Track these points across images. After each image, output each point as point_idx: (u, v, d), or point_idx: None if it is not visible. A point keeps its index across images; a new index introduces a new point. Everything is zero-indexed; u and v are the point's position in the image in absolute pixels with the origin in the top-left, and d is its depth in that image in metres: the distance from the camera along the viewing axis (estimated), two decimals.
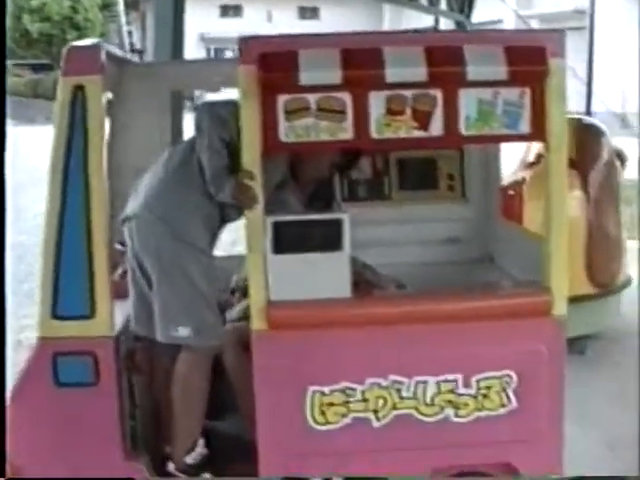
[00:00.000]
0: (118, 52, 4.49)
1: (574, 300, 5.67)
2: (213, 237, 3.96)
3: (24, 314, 6.65)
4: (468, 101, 3.48)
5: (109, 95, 4.39)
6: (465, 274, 4.80)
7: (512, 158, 6.47)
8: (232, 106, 3.63)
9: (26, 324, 6.17)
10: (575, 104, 13.97)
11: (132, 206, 3.90)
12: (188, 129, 4.93)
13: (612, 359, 6.93)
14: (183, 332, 3.80)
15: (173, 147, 4.05)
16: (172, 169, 3.90)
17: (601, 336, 7.19)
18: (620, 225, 7.18)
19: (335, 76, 3.38)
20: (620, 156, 7.18)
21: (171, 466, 3.99)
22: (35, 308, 3.78)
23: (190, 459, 3.98)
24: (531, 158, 6.54)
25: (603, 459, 5.22)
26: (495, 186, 5.13)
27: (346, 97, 3.43)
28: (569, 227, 3.75)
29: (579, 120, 7.29)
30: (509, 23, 28.24)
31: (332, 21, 42.08)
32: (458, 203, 5.08)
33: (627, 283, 7.26)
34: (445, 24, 23.73)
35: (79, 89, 3.61)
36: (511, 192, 6.20)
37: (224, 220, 3.97)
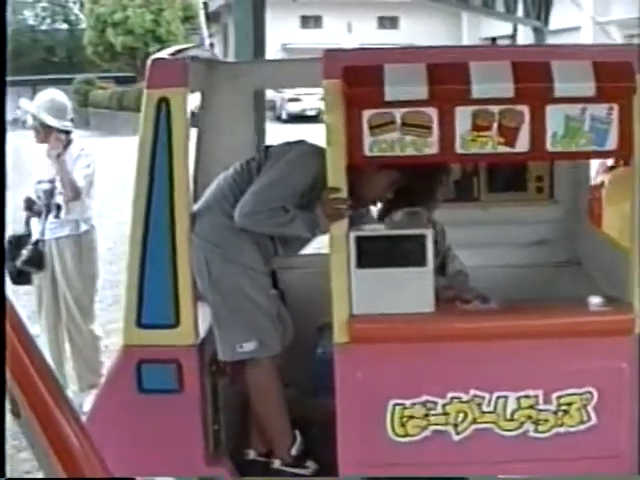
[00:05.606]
0: (205, 54, 4.52)
1: None
2: (266, 262, 3.99)
3: (110, 319, 6.79)
4: (555, 117, 3.46)
5: (197, 96, 4.43)
6: (552, 278, 4.75)
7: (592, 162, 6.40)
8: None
9: (111, 329, 6.28)
10: None
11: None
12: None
13: None
14: (248, 347, 3.87)
15: (228, 172, 4.03)
16: (228, 192, 3.92)
17: None
18: None
19: (421, 92, 3.39)
20: None
21: (277, 463, 4.05)
22: (120, 314, 3.86)
23: (294, 451, 4.05)
24: (610, 162, 6.45)
25: None
26: (584, 188, 5.07)
27: (432, 112, 3.44)
28: None
29: None
30: (587, 30, 27.56)
31: (411, 30, 41.85)
32: (547, 205, 5.01)
33: None
34: (523, 31, 23.51)
35: (163, 101, 3.65)
36: (590, 196, 6.13)
37: (277, 253, 4.04)
